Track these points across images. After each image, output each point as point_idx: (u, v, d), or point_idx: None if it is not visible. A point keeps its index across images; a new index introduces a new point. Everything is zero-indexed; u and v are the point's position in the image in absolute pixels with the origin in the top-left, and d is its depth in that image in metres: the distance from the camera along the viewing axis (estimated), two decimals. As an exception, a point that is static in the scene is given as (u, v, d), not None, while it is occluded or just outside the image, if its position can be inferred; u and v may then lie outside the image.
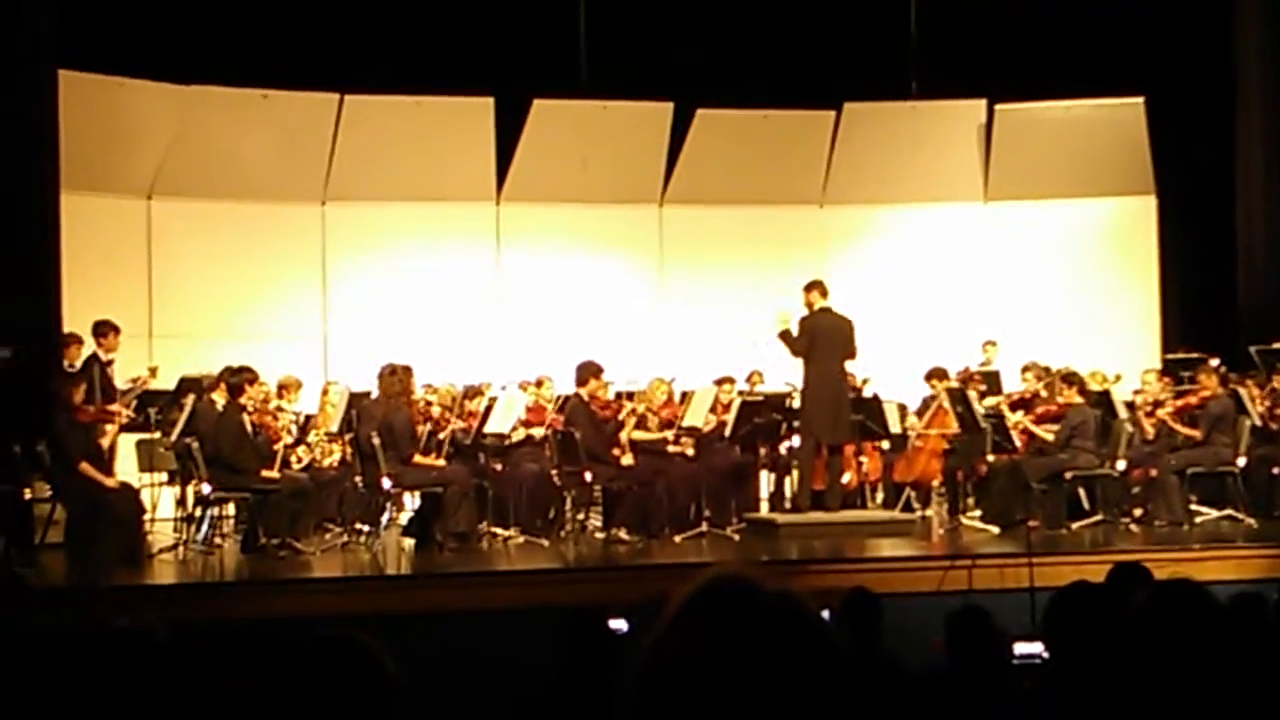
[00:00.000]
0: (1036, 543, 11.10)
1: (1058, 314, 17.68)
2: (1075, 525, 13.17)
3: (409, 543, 12.75)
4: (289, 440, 13.21)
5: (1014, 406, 13.98)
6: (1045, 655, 5.04)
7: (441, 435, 13.10)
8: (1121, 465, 13.43)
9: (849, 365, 13.68)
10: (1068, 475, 13.24)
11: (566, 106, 17.25)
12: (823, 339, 13.21)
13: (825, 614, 1.94)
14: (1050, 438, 13.42)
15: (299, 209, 17.06)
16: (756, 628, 1.81)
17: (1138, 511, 13.63)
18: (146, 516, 12.51)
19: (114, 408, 12.75)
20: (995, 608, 6.07)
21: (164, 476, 13.57)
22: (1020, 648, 6.44)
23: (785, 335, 13.33)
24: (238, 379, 12.59)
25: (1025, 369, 14.61)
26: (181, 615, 8.27)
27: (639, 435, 13.55)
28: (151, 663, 3.96)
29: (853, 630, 6.43)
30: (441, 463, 12.85)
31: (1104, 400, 13.97)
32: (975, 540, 12.64)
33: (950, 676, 5.70)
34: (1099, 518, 13.41)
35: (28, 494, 12.07)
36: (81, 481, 11.84)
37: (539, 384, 14.47)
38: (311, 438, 13.82)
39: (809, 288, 13.45)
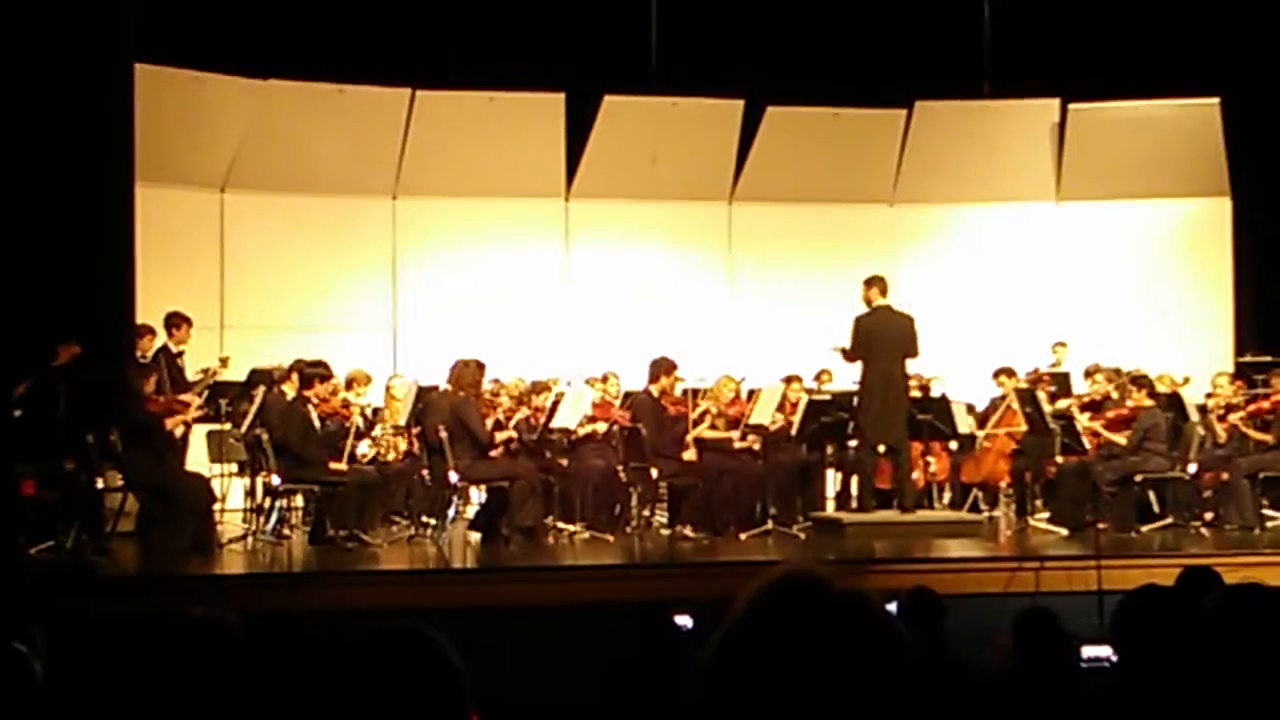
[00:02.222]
0: (1105, 545, 11.02)
1: (1129, 316, 17.53)
2: (1145, 528, 13.08)
3: (475, 537, 12.79)
4: (358, 427, 13.28)
5: (1084, 408, 13.88)
6: (1113, 659, 5.00)
7: (508, 427, 13.14)
8: (1192, 468, 13.32)
9: (912, 365, 13.59)
10: (1138, 478, 13.14)
11: (637, 103, 17.26)
12: (879, 338, 13.11)
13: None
14: (1121, 442, 13.31)
15: (370, 203, 17.16)
16: (827, 625, 1.81)
17: (1208, 515, 13.50)
18: (217, 506, 12.63)
19: (185, 398, 12.85)
20: (1063, 610, 6.02)
21: (234, 467, 13.68)
22: (1088, 651, 6.40)
23: (843, 352, 13.31)
24: (311, 372, 12.68)
25: (1088, 373, 14.55)
26: (249, 605, 8.34)
27: (707, 434, 13.55)
28: (225, 650, 4.01)
29: (914, 629, 6.39)
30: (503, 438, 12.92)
31: (1175, 403, 13.86)
32: (1043, 542, 12.56)
33: (1017, 678, 5.67)
34: (1169, 521, 13.30)
35: (100, 483, 12.20)
36: (153, 471, 11.96)
37: (605, 379, 14.50)
38: (376, 431, 13.89)
39: (869, 283, 13.31)
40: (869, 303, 13.23)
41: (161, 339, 13.75)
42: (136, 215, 13.80)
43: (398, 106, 16.93)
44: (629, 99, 17.22)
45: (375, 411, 14.17)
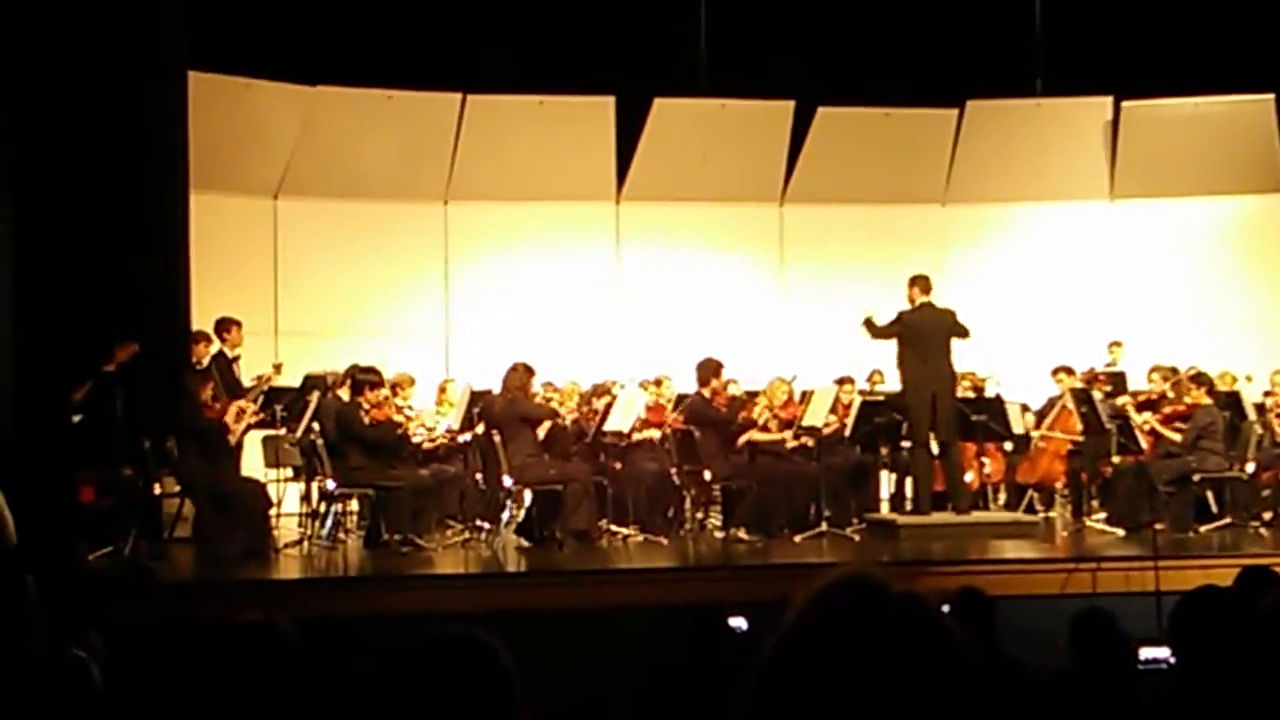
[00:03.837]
0: (1163, 546, 10.93)
1: (1185, 314, 17.39)
2: (1203, 528, 12.97)
3: (528, 540, 12.81)
4: (420, 439, 13.38)
5: (1140, 407, 13.77)
6: (1172, 660, 4.97)
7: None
8: (1251, 468, 13.21)
9: (966, 364, 13.50)
10: (1195, 477, 13.04)
11: (687, 105, 17.25)
12: (921, 336, 13.02)
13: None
14: (1178, 438, 13.21)
15: (422, 208, 17.21)
16: (883, 629, 1.80)
17: (1267, 515, 13.38)
18: (272, 511, 12.69)
19: (240, 403, 12.90)
20: (1120, 611, 5.98)
21: (289, 472, 13.74)
22: (1146, 652, 6.36)
23: (869, 324, 13.17)
24: (363, 378, 12.73)
25: (1152, 371, 14.40)
26: (305, 610, 8.37)
27: (760, 436, 13.51)
28: (279, 656, 4.02)
29: (966, 630, 6.35)
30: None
31: (1233, 402, 13.74)
32: (1100, 543, 12.48)
33: (1074, 679, 5.64)
34: (1227, 521, 13.18)
35: (157, 489, 12.28)
36: (209, 477, 12.03)
37: (659, 383, 14.48)
38: (422, 422, 13.95)
39: (911, 282, 13.24)
40: (912, 301, 13.17)
41: (216, 345, 13.83)
42: (190, 222, 13.90)
43: (448, 111, 16.98)
44: (679, 101, 17.21)
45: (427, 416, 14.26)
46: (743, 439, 13.45)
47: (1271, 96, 17.26)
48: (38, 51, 12.45)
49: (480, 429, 13.18)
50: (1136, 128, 17.72)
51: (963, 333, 13.11)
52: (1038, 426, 14.51)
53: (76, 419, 11.94)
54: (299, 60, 16.06)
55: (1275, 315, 17.58)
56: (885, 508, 14.29)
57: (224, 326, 13.89)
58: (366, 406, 12.62)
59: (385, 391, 13.07)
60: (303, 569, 11.85)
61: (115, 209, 12.93)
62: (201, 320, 13.97)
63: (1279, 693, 3.07)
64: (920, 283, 13.23)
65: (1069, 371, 14.62)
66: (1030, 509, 14.29)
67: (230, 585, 10.75)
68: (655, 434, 13.61)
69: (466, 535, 13.01)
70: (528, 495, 13.17)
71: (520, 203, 17.25)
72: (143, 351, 12.21)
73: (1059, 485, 14.43)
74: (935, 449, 13.12)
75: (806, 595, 1.86)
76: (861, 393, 14.58)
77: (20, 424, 11.81)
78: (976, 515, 13.42)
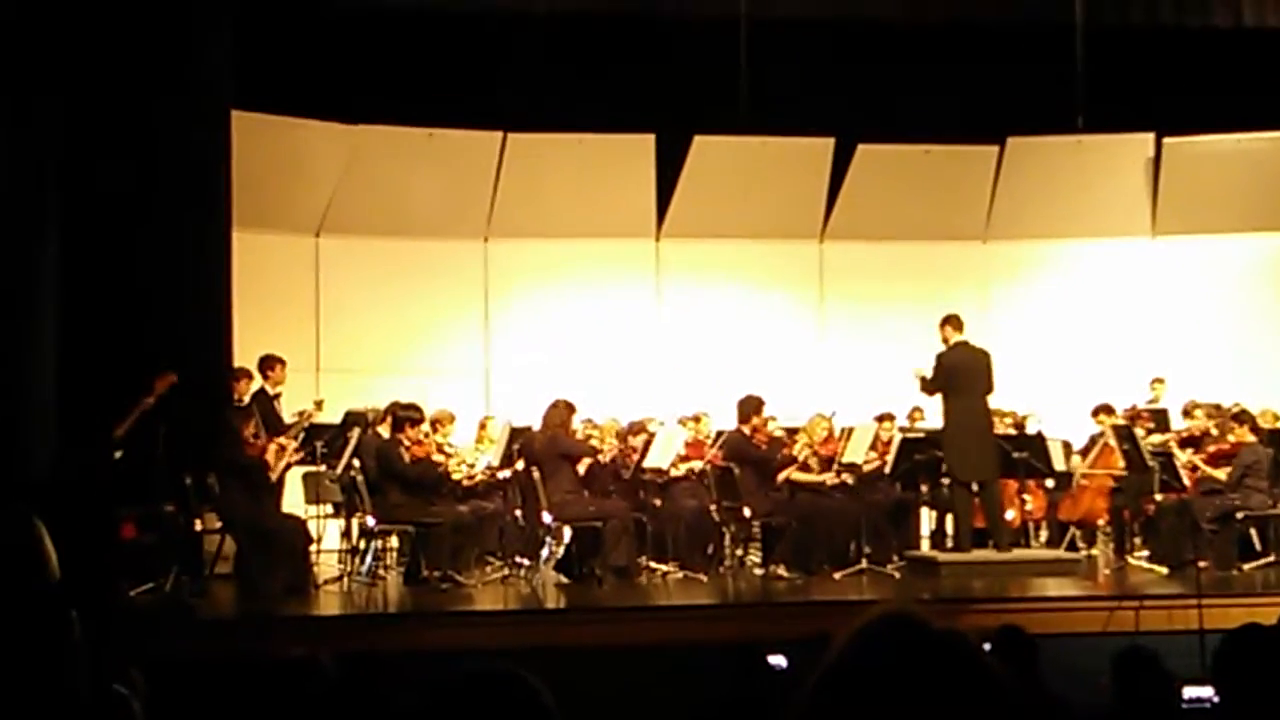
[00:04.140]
0: (1206, 584, 10.85)
1: (1227, 351, 17.28)
2: (1247, 566, 12.87)
3: (568, 577, 12.80)
4: (459, 476, 13.41)
5: (1183, 445, 13.69)
6: (1215, 699, 4.93)
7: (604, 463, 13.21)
8: (1295, 505, 13.11)
9: (1007, 402, 13.44)
10: (1239, 515, 12.95)
11: (727, 143, 17.26)
12: (961, 374, 13.03)
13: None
14: (1221, 476, 13.13)
15: (463, 245, 17.26)
16: (924, 667, 1.80)
17: (1312, 553, 13.28)
18: (313, 548, 12.71)
19: (281, 440, 12.94)
20: (1163, 650, 5.95)
21: (330, 509, 13.77)
22: (1189, 691, 6.31)
23: (923, 381, 13.21)
24: (404, 415, 12.77)
25: (1187, 410, 14.32)
26: (345, 646, 8.38)
27: (800, 476, 13.49)
28: (320, 691, 4.03)
29: (1008, 669, 6.31)
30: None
31: (1276, 439, 13.65)
32: (1143, 581, 12.40)
33: (1117, 718, 5.60)
34: (1271, 559, 13.08)
35: (198, 525, 12.32)
36: (250, 513, 12.06)
37: (697, 419, 14.48)
38: (462, 458, 13.97)
39: (943, 323, 13.27)
40: (946, 341, 13.17)
41: (258, 382, 13.88)
42: (232, 259, 13.98)
43: (489, 149, 17.03)
44: (719, 139, 17.22)
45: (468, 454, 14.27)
46: (782, 476, 13.44)
47: (1314, 132, 17.20)
48: (80, 89, 12.57)
49: (520, 466, 13.21)
50: (1178, 164, 17.65)
51: (991, 385, 13.11)
52: (1082, 463, 14.43)
53: (118, 455, 11.99)
54: (341, 98, 16.16)
55: (1319, 352, 17.46)
56: (926, 545, 14.23)
57: (267, 364, 13.93)
58: (407, 443, 12.66)
59: (425, 428, 13.10)
60: (343, 605, 11.87)
61: (158, 246, 13.03)
62: (243, 357, 14.03)
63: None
64: (952, 322, 13.24)
65: (1108, 411, 14.53)
66: (1072, 546, 14.21)
67: (271, 621, 10.77)
68: (697, 465, 13.59)
69: (506, 572, 13.01)
70: (567, 532, 13.16)
71: (560, 240, 17.29)
72: (185, 388, 12.26)
73: (1101, 523, 14.35)
74: (975, 486, 13.10)
75: (847, 633, 1.86)
76: (902, 430, 14.54)
77: (63, 460, 11.90)
78: (1018, 553, 13.34)
